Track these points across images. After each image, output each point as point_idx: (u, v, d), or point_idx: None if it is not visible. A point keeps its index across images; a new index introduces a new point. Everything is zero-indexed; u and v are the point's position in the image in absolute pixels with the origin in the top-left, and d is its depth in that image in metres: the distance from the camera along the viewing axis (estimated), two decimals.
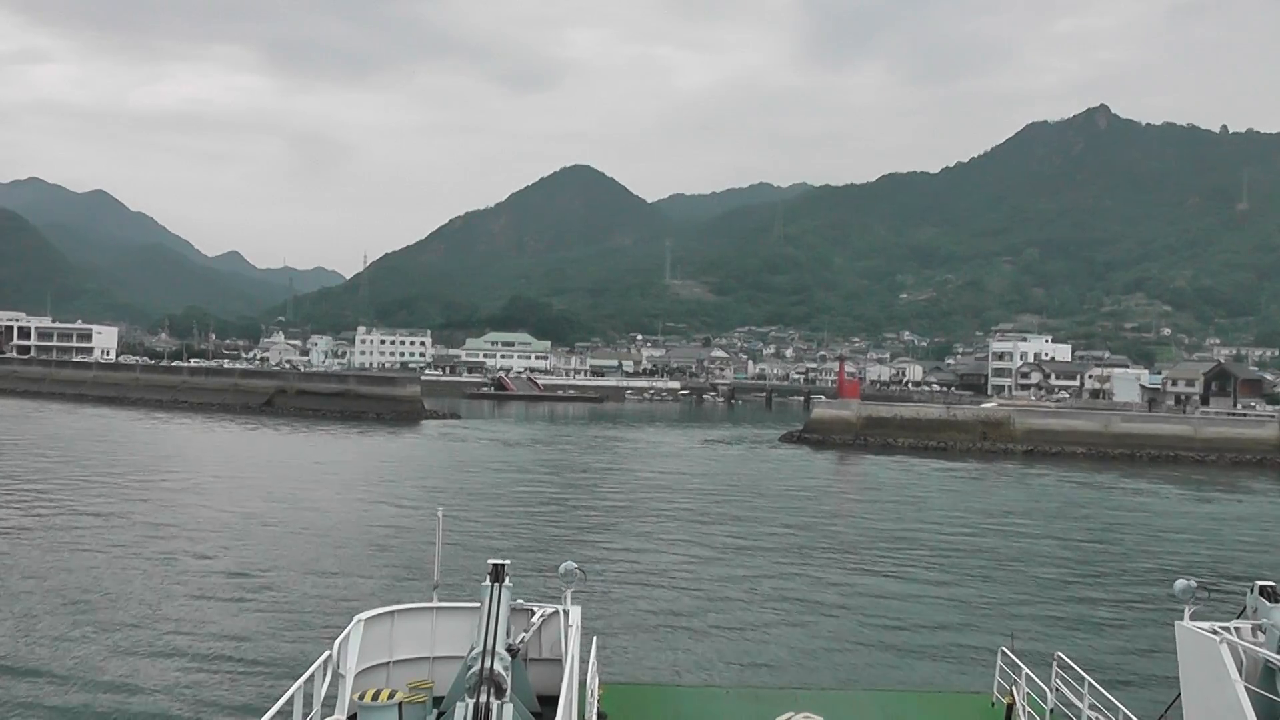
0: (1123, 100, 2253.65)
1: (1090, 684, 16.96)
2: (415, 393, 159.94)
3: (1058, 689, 18.38)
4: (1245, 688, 13.00)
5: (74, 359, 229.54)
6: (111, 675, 29.04)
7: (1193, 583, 14.96)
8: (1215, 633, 13.73)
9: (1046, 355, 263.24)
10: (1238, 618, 14.64)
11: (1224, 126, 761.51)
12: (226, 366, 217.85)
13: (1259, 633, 14.10)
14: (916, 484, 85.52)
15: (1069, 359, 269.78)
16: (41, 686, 27.82)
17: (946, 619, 38.32)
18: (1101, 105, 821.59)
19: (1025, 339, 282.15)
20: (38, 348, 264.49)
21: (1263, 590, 14.32)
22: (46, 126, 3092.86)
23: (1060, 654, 18.86)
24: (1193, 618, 14.52)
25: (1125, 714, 15.99)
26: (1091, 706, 16.97)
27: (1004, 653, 20.16)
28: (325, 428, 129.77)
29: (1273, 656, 13.33)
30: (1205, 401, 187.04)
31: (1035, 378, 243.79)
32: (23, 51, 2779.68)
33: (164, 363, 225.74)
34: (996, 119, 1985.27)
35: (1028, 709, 18.37)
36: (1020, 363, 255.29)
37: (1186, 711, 14.38)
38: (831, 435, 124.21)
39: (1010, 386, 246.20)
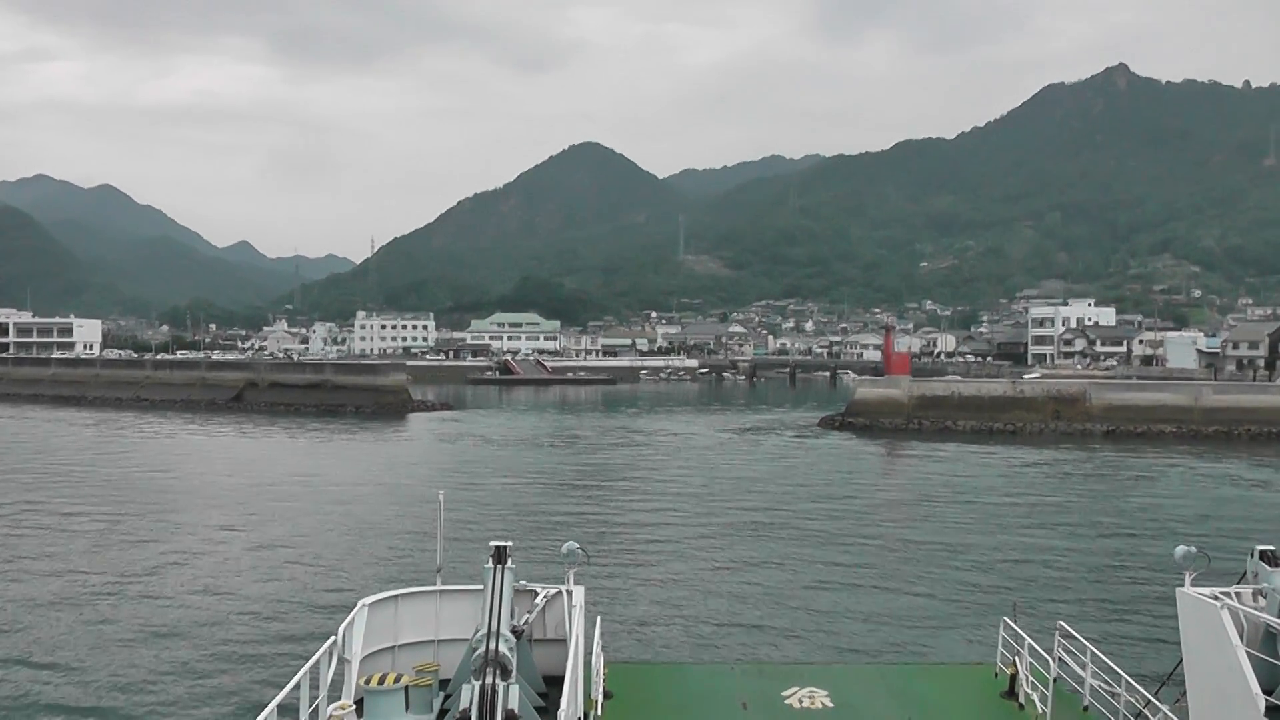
0: (1141, 60, 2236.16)
1: (1093, 653, 17.23)
2: (400, 381, 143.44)
3: (1060, 659, 18.26)
4: (1246, 652, 13.05)
5: (37, 355, 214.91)
6: (111, 667, 28.87)
7: (1193, 549, 14.87)
8: (1216, 598, 13.79)
9: (1090, 320, 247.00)
10: (1238, 583, 14.74)
11: (1246, 82, 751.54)
12: (193, 358, 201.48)
13: (1259, 597, 14.16)
14: (1038, 484, 69.07)
15: (1113, 324, 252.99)
16: (44, 678, 27.89)
17: None
18: (1120, 64, 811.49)
19: (1067, 303, 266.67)
20: (16, 344, 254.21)
21: (1263, 555, 14.34)
22: (54, 124, 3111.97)
23: (1063, 623, 18.72)
24: (1194, 583, 14.53)
25: (1128, 681, 16.47)
26: (1094, 675, 17.36)
27: (1006, 623, 20.02)
28: (295, 426, 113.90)
29: (1273, 621, 13.49)
30: (1271, 366, 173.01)
31: (1080, 345, 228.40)
32: (28, 50, 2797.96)
33: (147, 356, 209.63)
34: (1011, 85, 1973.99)
35: (1030, 679, 18.44)
36: (1063, 329, 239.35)
37: (1188, 677, 14.43)
38: (880, 419, 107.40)
39: (1052, 355, 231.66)
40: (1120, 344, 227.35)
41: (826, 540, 47.96)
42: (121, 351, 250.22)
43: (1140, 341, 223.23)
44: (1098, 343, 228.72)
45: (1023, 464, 79.90)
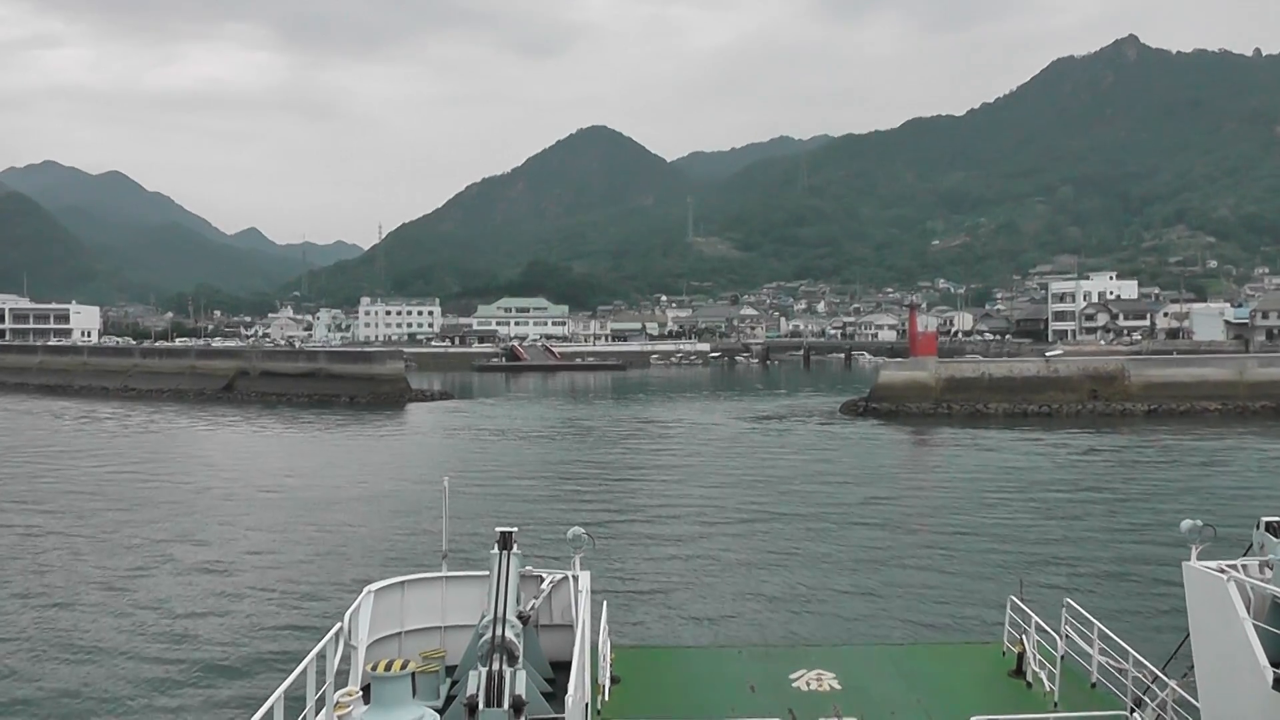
0: (1150, 31, 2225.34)
1: (1100, 629, 17.31)
2: (398, 370, 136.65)
3: (1067, 635, 18.15)
4: (1253, 624, 12.80)
5: (30, 343, 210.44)
6: (114, 657, 28.62)
7: (1199, 522, 14.53)
8: (1222, 571, 13.54)
9: (1111, 294, 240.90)
10: (1245, 555, 14.37)
11: (1257, 50, 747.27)
12: (182, 346, 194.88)
13: (1266, 569, 13.82)
14: (1105, 473, 62.71)
15: (1135, 297, 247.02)
16: (49, 668, 27.77)
17: None
18: (1130, 36, 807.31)
19: (1088, 278, 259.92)
20: (13, 331, 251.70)
21: (1269, 526, 13.95)
22: (62, 110, 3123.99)
23: (1070, 601, 18.81)
24: (1200, 557, 14.31)
25: (1134, 656, 16.46)
26: (1101, 651, 17.38)
27: (1013, 602, 19.92)
28: (285, 417, 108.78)
29: None
30: None
31: (1102, 320, 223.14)
32: (35, 37, 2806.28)
33: (139, 343, 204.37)
34: (1020, 61, 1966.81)
35: (1037, 656, 18.50)
36: (1084, 304, 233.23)
37: (1196, 651, 14.21)
38: (906, 403, 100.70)
39: (1074, 331, 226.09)
40: (1143, 318, 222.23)
41: (873, 549, 41.94)
42: (119, 339, 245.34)
43: (1165, 314, 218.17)
44: (1120, 317, 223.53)
45: (1078, 451, 73.52)
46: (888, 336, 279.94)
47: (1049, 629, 18.39)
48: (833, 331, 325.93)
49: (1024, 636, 19.00)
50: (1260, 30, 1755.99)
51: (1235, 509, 46.47)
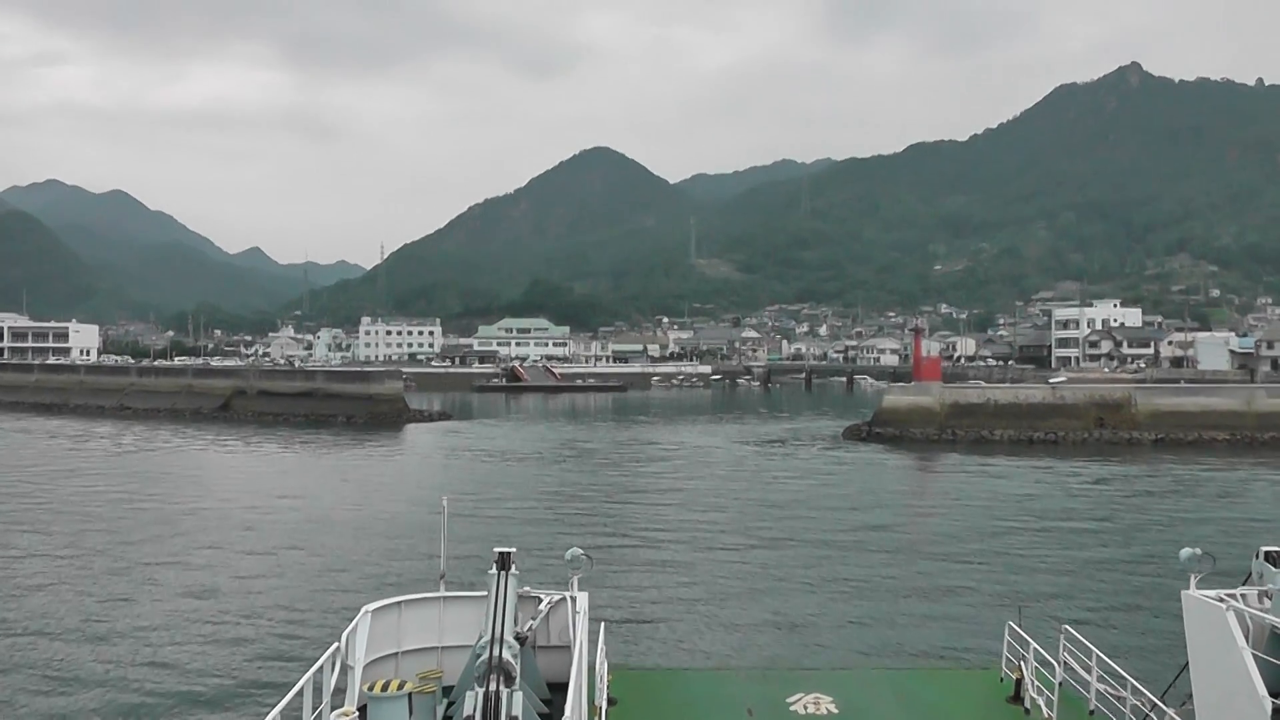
0: (1153, 59, 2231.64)
1: (1098, 656, 17.16)
2: (396, 390, 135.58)
3: (1065, 662, 18.20)
4: (1252, 654, 12.82)
5: (30, 361, 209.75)
6: (96, 688, 27.67)
7: (1198, 551, 14.41)
8: (1221, 600, 13.58)
9: (1115, 321, 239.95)
10: (1243, 584, 14.48)
11: (1260, 79, 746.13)
12: (180, 365, 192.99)
13: (1265, 598, 13.93)
14: (1121, 504, 61.85)
15: (1139, 324, 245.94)
16: (26, 699, 26.79)
17: None
18: (1133, 63, 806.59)
19: (1092, 304, 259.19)
20: (11, 349, 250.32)
21: (1268, 555, 14.05)
22: (65, 128, 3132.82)
23: (1068, 627, 18.78)
24: (1200, 586, 14.27)
25: (1133, 684, 16.53)
26: (1100, 679, 17.26)
27: (1011, 627, 19.92)
28: (282, 437, 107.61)
29: (1279, 622, 13.32)
30: None
31: (1106, 347, 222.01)
32: (40, 54, 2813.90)
33: (137, 362, 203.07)
34: (1023, 87, 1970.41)
35: (1035, 682, 18.38)
36: (1088, 331, 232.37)
37: (1194, 679, 14.18)
38: (910, 429, 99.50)
39: (1077, 358, 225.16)
40: (1147, 345, 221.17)
41: (876, 575, 40.95)
42: (118, 358, 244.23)
43: (1169, 343, 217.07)
44: (1124, 344, 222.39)
45: (1088, 480, 72.47)
46: (890, 360, 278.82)
47: (1047, 655, 18.50)
48: (835, 355, 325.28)
49: (1022, 663, 19.08)
50: (1263, 59, 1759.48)
51: (1246, 540, 45.41)
